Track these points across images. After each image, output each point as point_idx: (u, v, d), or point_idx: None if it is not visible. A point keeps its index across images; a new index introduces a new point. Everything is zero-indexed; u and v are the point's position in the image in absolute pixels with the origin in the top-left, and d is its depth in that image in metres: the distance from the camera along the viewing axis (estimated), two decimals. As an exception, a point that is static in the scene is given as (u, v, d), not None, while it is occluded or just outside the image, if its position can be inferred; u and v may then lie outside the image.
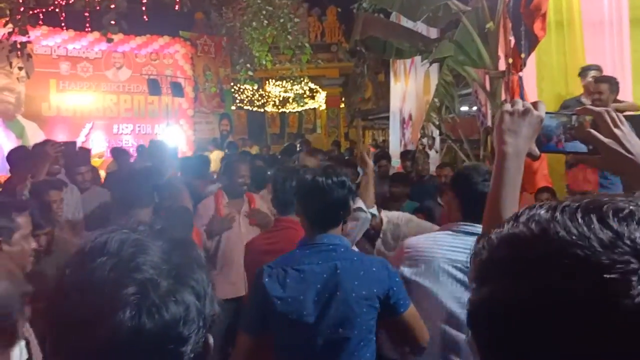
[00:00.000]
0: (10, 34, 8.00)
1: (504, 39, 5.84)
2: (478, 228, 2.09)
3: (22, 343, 1.46)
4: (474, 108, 9.38)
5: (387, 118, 13.33)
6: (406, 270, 2.29)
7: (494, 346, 0.65)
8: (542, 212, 0.65)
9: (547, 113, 1.24)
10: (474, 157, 6.34)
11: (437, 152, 7.15)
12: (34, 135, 10.75)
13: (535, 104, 1.24)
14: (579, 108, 1.27)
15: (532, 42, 5.40)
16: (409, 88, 10.32)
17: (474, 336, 0.68)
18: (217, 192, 4.24)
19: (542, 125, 1.24)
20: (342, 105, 18.88)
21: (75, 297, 0.77)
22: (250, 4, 10.31)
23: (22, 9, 8.16)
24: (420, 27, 7.55)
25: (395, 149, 10.56)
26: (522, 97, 5.58)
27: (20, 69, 7.52)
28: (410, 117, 10.22)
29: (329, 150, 11.78)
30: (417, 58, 8.60)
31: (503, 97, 5.81)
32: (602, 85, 5.08)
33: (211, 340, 0.85)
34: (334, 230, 2.16)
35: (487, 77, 6.16)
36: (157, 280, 0.79)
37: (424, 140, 6.26)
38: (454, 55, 5.86)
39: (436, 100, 6.09)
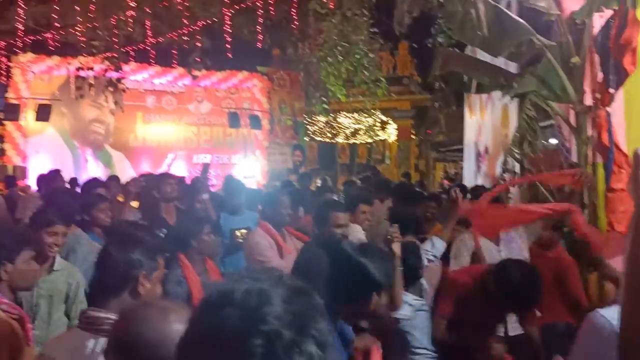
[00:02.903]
0: (105, 70, 8.62)
1: (590, 74, 5.73)
2: None
3: None
4: (551, 141, 9.15)
5: (459, 150, 13.19)
6: None
7: None
8: None
9: None
10: (557, 192, 6.19)
11: (518, 187, 7.02)
12: (121, 164, 11.41)
13: None
14: None
15: (621, 76, 5.26)
16: (485, 121, 10.21)
17: None
18: None
19: None
20: (413, 137, 18.85)
21: (204, 347, 0.80)
22: (326, 40, 10.62)
23: (117, 47, 8.79)
24: (499, 61, 7.50)
25: (470, 182, 10.42)
26: (610, 133, 5.42)
27: (115, 103, 8.08)
28: (486, 150, 10.09)
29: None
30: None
31: (589, 132, 5.67)
32: None
33: None
34: None
35: (571, 112, 6.03)
36: (281, 332, 0.80)
37: (505, 175, 6.18)
38: (537, 90, 5.80)
39: (517, 134, 6.04)
